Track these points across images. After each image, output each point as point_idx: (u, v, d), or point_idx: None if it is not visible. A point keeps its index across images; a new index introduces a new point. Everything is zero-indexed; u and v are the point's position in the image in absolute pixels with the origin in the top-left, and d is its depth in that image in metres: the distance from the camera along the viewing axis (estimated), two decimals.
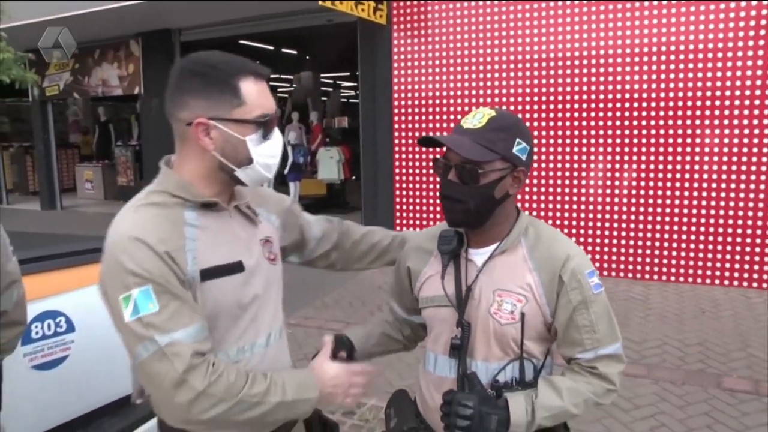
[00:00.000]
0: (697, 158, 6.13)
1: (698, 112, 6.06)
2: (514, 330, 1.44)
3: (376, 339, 1.79)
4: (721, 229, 6.12)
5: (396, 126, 7.72)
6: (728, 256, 6.12)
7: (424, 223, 7.63)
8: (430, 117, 7.48)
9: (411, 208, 7.76)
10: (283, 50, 12.46)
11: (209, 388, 1.20)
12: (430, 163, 7.30)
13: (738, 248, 6.07)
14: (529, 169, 1.48)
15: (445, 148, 1.45)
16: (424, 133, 7.51)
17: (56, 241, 2.61)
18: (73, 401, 2.22)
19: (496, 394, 1.42)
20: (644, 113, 6.31)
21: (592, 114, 6.56)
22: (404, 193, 7.78)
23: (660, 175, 6.32)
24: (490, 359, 1.47)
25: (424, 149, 7.52)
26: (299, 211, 1.73)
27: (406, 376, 4.14)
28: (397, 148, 7.75)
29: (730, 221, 6.07)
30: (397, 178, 7.80)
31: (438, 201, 6.81)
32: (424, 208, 7.65)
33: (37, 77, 8.27)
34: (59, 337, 2.15)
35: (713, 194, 6.11)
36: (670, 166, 6.26)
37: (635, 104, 6.34)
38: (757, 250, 6.01)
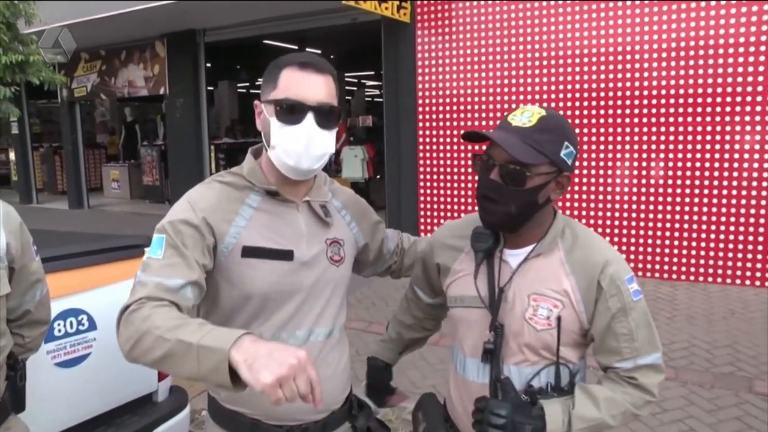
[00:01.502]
0: (727, 155, 5.99)
1: (728, 108, 5.92)
2: (550, 336, 1.39)
3: (404, 345, 1.81)
4: (752, 228, 5.97)
5: (420, 124, 7.68)
6: (759, 256, 5.97)
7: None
8: (455, 115, 7.43)
9: (435, 206, 7.71)
10: (308, 50, 12.47)
11: (130, 315, 1.20)
12: (454, 161, 7.34)
13: None
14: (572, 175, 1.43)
15: (486, 144, 1.40)
16: (448, 131, 7.46)
17: (79, 239, 2.63)
18: (95, 398, 2.24)
19: (531, 401, 1.37)
20: (672, 110, 6.18)
21: (619, 111, 6.45)
22: (428, 191, 7.74)
23: (688, 173, 6.19)
24: (523, 364, 1.42)
25: (448, 147, 7.48)
26: (383, 228, 1.79)
27: (429, 376, 4.11)
28: (421, 147, 7.71)
29: (762, 220, 5.92)
30: (421, 176, 7.76)
31: (462, 199, 6.78)
32: (449, 207, 7.59)
33: (65, 79, 8.41)
34: (81, 335, 2.16)
35: (743, 192, 5.96)
36: (698, 164, 6.13)
37: (662, 101, 6.21)
38: None
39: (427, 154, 7.69)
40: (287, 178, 1.45)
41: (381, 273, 1.85)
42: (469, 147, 7.31)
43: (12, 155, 14.17)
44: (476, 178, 1.43)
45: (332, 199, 1.60)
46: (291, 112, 1.38)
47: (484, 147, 1.41)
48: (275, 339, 1.41)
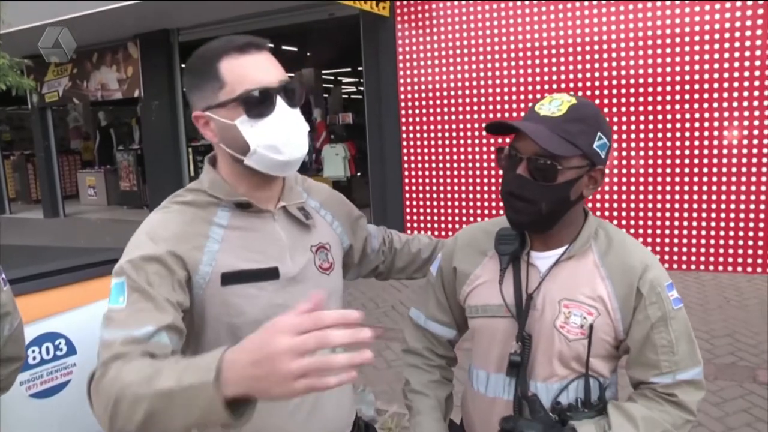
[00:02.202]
0: (716, 142, 5.94)
1: (716, 95, 5.87)
2: (582, 346, 1.26)
3: (445, 409, 1.52)
4: (742, 215, 5.93)
5: (403, 120, 7.53)
6: (750, 242, 5.93)
7: (436, 218, 7.45)
8: (438, 110, 7.30)
9: (422, 203, 7.57)
10: (284, 47, 12.27)
11: (98, 383, 1.01)
12: (440, 156, 7.23)
13: (761, 234, 5.88)
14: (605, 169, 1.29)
15: (511, 137, 1.26)
16: (432, 126, 7.33)
17: (53, 254, 2.45)
18: (77, 429, 2.06)
19: (560, 419, 1.24)
20: (659, 98, 6.11)
21: (602, 101, 6.36)
22: (414, 188, 7.60)
23: (677, 161, 6.13)
24: (552, 379, 1.29)
25: (432, 142, 7.34)
26: (365, 223, 1.59)
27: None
28: (404, 143, 7.57)
29: (752, 206, 5.87)
30: (406, 173, 7.62)
31: (449, 195, 6.64)
32: (435, 203, 7.46)
33: (33, 83, 8.11)
34: (59, 360, 1.99)
35: (733, 178, 5.92)
36: (687, 151, 6.07)
37: (648, 89, 6.14)
38: None
39: (411, 150, 7.55)
40: (259, 184, 1.27)
41: (366, 275, 1.66)
42: (468, 141, 7.20)
43: None
44: (498, 173, 1.28)
45: (308, 198, 1.42)
46: (260, 103, 1.18)
47: (507, 140, 1.28)
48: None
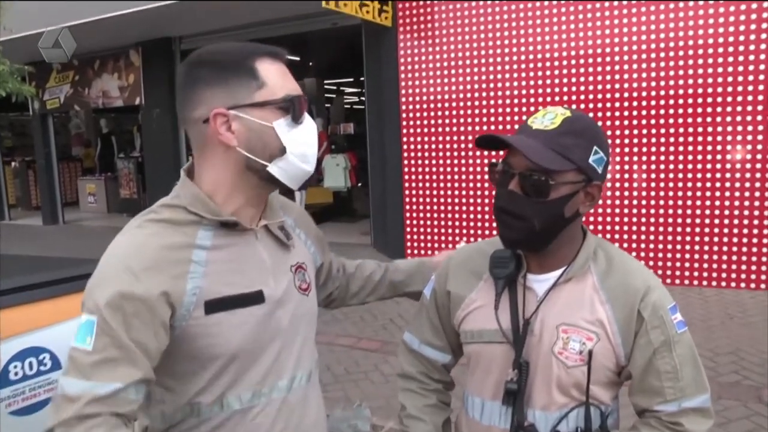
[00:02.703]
0: (719, 156, 5.87)
1: (719, 109, 5.81)
2: (581, 373, 1.19)
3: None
4: (746, 230, 5.85)
5: (404, 131, 7.48)
6: (754, 258, 5.85)
7: (436, 229, 7.38)
8: (439, 120, 7.25)
9: (422, 215, 7.51)
10: (287, 57, 12.26)
11: None
12: (440, 168, 7.17)
13: (765, 249, 5.80)
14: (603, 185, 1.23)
15: (504, 152, 1.22)
16: (433, 137, 7.28)
17: (41, 265, 2.39)
18: None
19: None
20: (662, 111, 6.05)
21: (604, 114, 6.31)
22: (414, 200, 7.54)
23: (680, 175, 6.06)
24: (551, 407, 1.22)
25: (434, 153, 7.29)
26: (327, 247, 1.53)
27: (382, 388, 4.01)
28: (405, 153, 7.52)
29: (755, 221, 5.80)
30: (407, 184, 7.56)
31: (450, 207, 6.55)
32: (436, 215, 7.40)
33: (34, 90, 8.08)
34: (43, 376, 1.93)
35: (737, 194, 5.85)
36: (690, 165, 6.01)
37: (652, 102, 6.08)
38: None
39: (412, 161, 7.50)
40: (255, 200, 1.21)
41: (320, 302, 1.53)
42: (469, 153, 7.15)
43: None
44: (489, 190, 1.22)
45: (284, 216, 1.35)
46: (300, 110, 1.17)
47: (502, 153, 1.23)
48: (256, 397, 1.17)
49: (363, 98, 8.15)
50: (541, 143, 1.14)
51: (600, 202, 6.20)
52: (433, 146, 7.32)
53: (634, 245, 6.33)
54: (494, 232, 1.29)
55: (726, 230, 5.93)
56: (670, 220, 6.16)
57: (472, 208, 7.04)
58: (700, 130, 5.92)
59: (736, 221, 5.88)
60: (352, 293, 1.60)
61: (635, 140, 6.22)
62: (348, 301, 1.62)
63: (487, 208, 6.95)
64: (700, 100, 5.87)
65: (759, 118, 5.66)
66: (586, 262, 1.25)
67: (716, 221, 5.96)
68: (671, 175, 6.11)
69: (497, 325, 1.26)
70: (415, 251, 7.42)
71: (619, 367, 1.23)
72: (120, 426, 0.99)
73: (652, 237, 6.27)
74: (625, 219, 6.37)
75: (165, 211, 1.16)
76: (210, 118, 1.12)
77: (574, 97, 6.42)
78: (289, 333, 1.24)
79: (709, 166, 5.93)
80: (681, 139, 6.01)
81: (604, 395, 1.24)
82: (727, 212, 5.91)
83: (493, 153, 1.24)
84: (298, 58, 12.72)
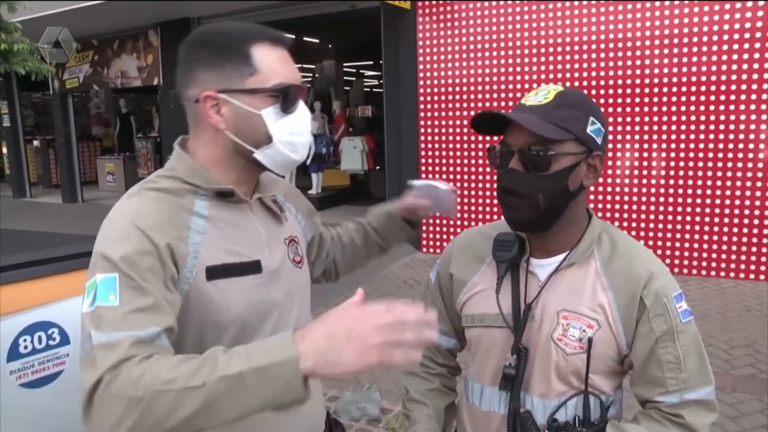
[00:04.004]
0: (741, 146, 5.76)
1: (744, 97, 5.69)
2: (580, 361, 1.17)
3: (446, 421, 1.45)
4: (766, 221, 5.75)
5: (421, 114, 7.43)
6: None
7: None
8: (457, 104, 7.18)
9: None
10: (305, 38, 12.22)
11: (110, 387, 0.90)
12: (457, 152, 7.12)
13: None
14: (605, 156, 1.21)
15: (503, 134, 1.19)
16: (450, 121, 7.22)
17: (53, 241, 2.40)
18: (69, 421, 2.01)
19: None
20: (684, 98, 5.94)
21: (625, 100, 6.21)
22: None
23: (700, 164, 5.96)
24: (549, 395, 1.20)
25: (450, 137, 7.24)
26: (319, 221, 1.53)
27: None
28: (422, 137, 7.47)
29: None
30: (423, 168, 7.52)
31: (467, 191, 6.50)
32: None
33: (53, 69, 8.14)
34: (52, 350, 1.94)
35: (758, 184, 5.74)
36: (711, 154, 5.90)
37: (673, 89, 5.97)
38: None
39: (429, 145, 7.45)
40: (245, 179, 1.22)
41: (316, 278, 1.53)
42: (479, 138, 7.09)
43: (5, 148, 13.94)
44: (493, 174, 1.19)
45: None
46: (292, 99, 1.16)
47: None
48: None
49: (382, 81, 8.08)
50: (538, 117, 1.13)
51: (618, 190, 6.19)
52: (450, 129, 7.26)
53: (651, 234, 6.25)
54: None
55: (746, 221, 5.83)
56: (689, 209, 6.07)
57: (488, 194, 6.98)
58: (722, 118, 5.81)
59: (756, 212, 5.78)
60: (340, 262, 1.60)
61: (655, 127, 6.11)
62: (340, 271, 1.62)
63: None
64: (723, 87, 5.75)
65: None
66: (589, 246, 1.22)
67: (735, 211, 5.86)
68: (690, 164, 6.01)
69: (498, 310, 1.24)
70: (431, 234, 7.40)
71: (621, 355, 1.20)
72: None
73: (669, 226, 6.18)
74: (643, 208, 6.29)
75: (162, 180, 1.16)
76: (200, 99, 1.14)
77: (593, 83, 6.32)
78: (286, 305, 1.24)
79: (729, 155, 5.82)
80: (702, 127, 5.90)
81: (604, 384, 1.21)
82: (747, 202, 5.80)
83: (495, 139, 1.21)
84: (317, 40, 12.69)
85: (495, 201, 6.93)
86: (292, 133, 1.17)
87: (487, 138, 6.90)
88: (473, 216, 7.06)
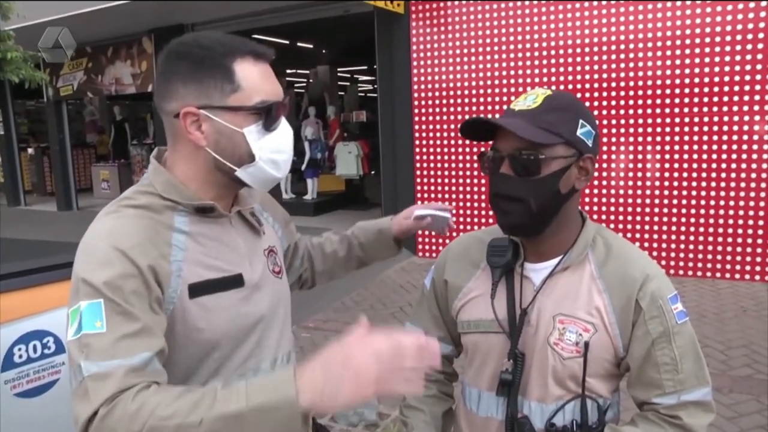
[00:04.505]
0: (734, 147, 5.78)
1: (746, 98, 5.71)
2: (577, 365, 1.17)
3: (441, 423, 1.44)
4: (761, 222, 5.77)
5: (416, 118, 7.44)
6: None
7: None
8: (451, 108, 7.19)
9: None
10: (299, 44, 12.24)
11: (105, 422, 0.89)
12: (452, 156, 7.13)
13: None
14: (597, 158, 1.21)
15: (493, 140, 1.19)
16: (445, 126, 7.23)
17: (44, 250, 2.39)
18: (64, 430, 2.00)
19: None
20: (677, 100, 5.97)
21: (619, 103, 6.23)
22: (426, 188, 7.51)
23: (695, 165, 5.98)
24: (547, 399, 1.20)
25: (445, 141, 7.25)
26: (294, 228, 1.54)
27: None
28: (417, 141, 7.48)
29: None
30: (418, 172, 7.53)
31: (462, 195, 6.49)
32: (447, 203, 7.34)
33: (47, 76, 8.13)
34: (47, 359, 1.93)
35: (752, 185, 5.76)
36: (705, 156, 5.92)
37: (666, 91, 5.99)
38: None
39: (424, 149, 7.46)
40: (224, 194, 1.19)
41: (291, 285, 1.50)
42: (474, 141, 7.09)
43: None
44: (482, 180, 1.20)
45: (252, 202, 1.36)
46: (275, 116, 1.14)
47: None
48: (241, 380, 1.17)
49: (377, 86, 8.10)
50: (527, 121, 1.13)
51: (613, 192, 6.20)
52: (445, 134, 7.27)
53: (646, 235, 6.27)
54: None
55: (741, 222, 5.85)
56: (684, 210, 6.09)
57: (483, 197, 6.99)
58: (716, 119, 5.83)
59: (751, 212, 5.80)
60: (319, 272, 1.60)
61: (649, 129, 6.14)
62: (317, 280, 1.62)
63: None
64: (717, 89, 5.77)
65: None
66: (584, 249, 1.22)
67: (730, 212, 5.88)
68: (685, 165, 6.03)
69: (493, 315, 1.24)
70: (427, 239, 7.40)
71: (618, 358, 1.20)
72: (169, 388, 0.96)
73: (665, 228, 6.20)
74: (638, 209, 6.30)
75: (140, 197, 1.14)
76: (180, 115, 1.10)
77: (587, 86, 6.34)
78: (269, 316, 1.24)
79: (724, 156, 5.85)
80: (696, 128, 5.93)
81: (601, 388, 1.21)
82: (741, 203, 5.82)
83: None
84: (311, 46, 12.71)
85: (489, 206, 6.94)
86: (275, 150, 1.15)
87: (482, 142, 6.92)
88: (469, 220, 7.07)
